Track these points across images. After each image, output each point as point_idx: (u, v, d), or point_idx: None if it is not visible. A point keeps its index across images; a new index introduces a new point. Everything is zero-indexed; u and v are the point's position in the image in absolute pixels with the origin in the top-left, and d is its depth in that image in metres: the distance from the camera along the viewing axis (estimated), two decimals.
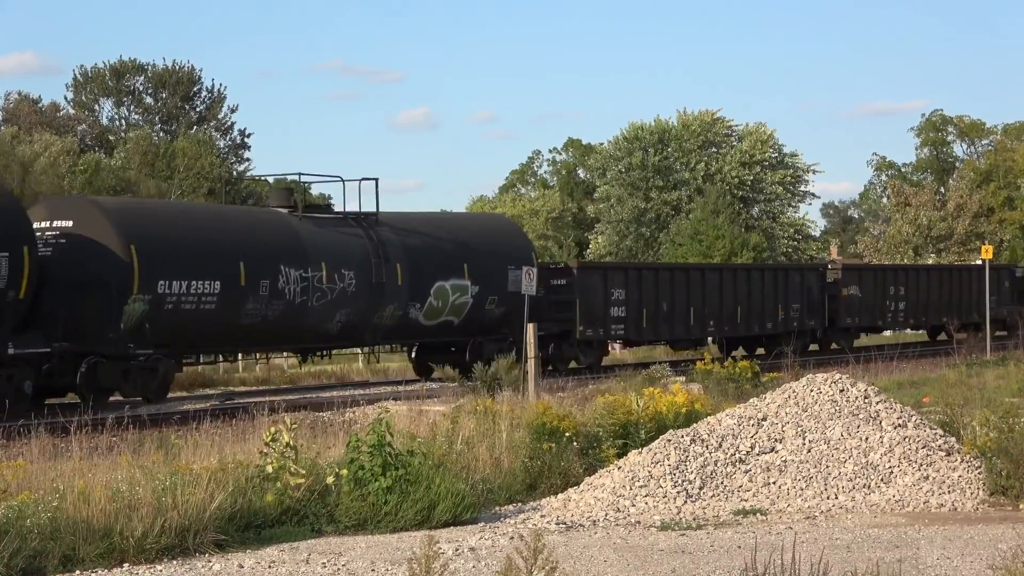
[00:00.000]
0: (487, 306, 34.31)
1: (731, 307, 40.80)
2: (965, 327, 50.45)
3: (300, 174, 35.79)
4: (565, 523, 13.24)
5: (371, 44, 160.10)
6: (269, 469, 12.79)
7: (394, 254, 32.11)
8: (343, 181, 33.25)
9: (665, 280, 39.22)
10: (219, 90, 76.88)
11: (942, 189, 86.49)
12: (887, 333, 53.55)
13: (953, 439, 15.04)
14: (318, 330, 30.91)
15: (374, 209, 32.90)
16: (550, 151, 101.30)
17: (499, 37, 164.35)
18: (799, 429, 14.92)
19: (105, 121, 76.78)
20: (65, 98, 77.20)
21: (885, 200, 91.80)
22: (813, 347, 44.87)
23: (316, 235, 30.92)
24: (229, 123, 77.04)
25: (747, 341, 42.63)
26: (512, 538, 12.26)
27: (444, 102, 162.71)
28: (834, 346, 44.33)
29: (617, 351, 45.38)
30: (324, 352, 33.73)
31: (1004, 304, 52.42)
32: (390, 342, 34.60)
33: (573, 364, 36.21)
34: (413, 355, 35.54)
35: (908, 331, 54.73)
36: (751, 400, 16.04)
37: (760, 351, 41.67)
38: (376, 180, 33.20)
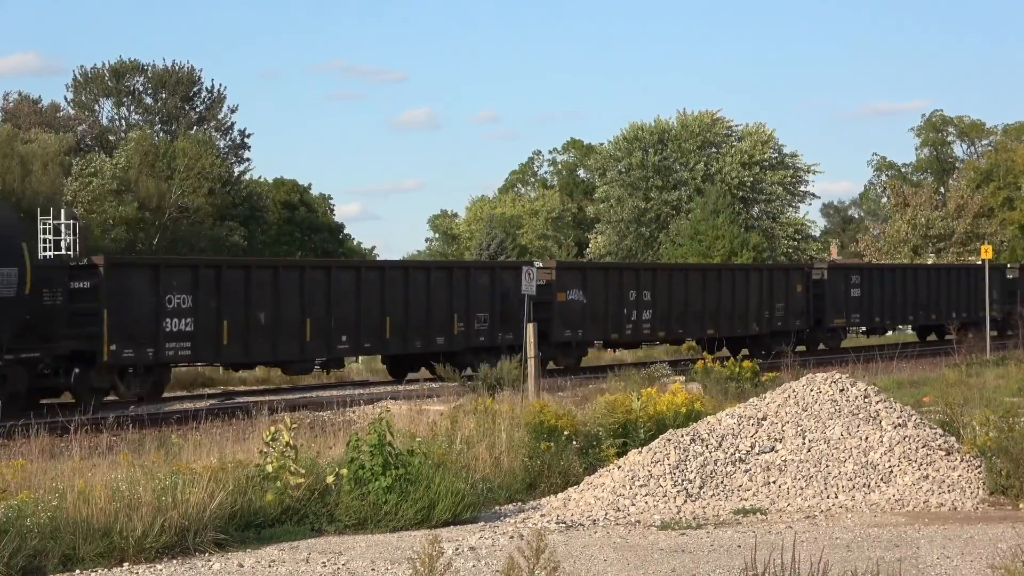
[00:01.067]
0: None
1: (377, 317, 31.82)
2: (740, 342, 42.15)
3: None
4: (565, 522, 13.24)
5: (374, 44, 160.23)
6: (269, 469, 12.80)
7: None
8: None
9: (264, 281, 29.76)
10: (219, 90, 76.97)
11: (942, 189, 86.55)
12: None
13: (953, 439, 15.04)
14: None
15: None
16: (550, 151, 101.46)
17: (501, 37, 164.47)
18: (799, 429, 14.92)
19: (105, 121, 76.80)
20: (65, 98, 77.31)
21: (885, 200, 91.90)
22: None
23: None
24: (229, 123, 77.13)
25: (419, 360, 34.19)
26: (512, 537, 12.27)
27: (446, 102, 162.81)
28: (552, 366, 35.68)
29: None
30: None
31: (796, 314, 43.84)
32: None
33: (113, 397, 27.80)
34: None
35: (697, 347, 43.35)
36: (751, 400, 16.05)
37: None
38: None
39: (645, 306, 38.62)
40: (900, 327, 52.19)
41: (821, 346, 44.45)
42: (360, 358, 39.32)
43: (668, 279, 39.86)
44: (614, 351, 41.07)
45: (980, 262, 48.69)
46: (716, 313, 40.91)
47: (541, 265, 36.99)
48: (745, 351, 40.09)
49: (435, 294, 33.21)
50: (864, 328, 48.59)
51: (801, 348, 43.58)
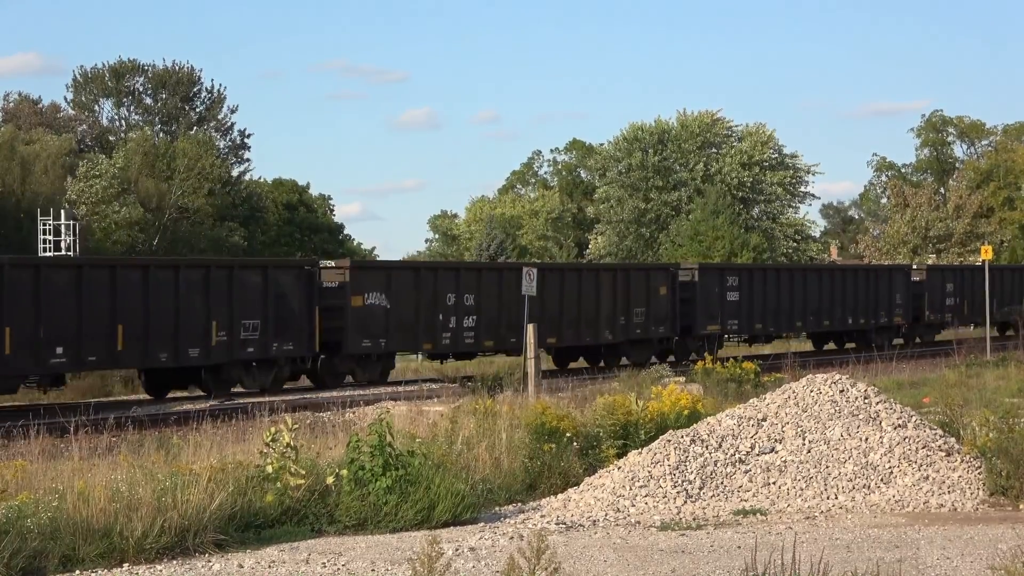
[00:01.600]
0: None
1: (106, 325, 26.80)
2: (592, 352, 37.57)
3: None
4: (565, 523, 13.24)
5: (375, 44, 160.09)
6: (269, 469, 12.80)
7: None
8: None
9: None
10: (219, 90, 77.02)
11: (942, 189, 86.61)
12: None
13: (953, 439, 15.04)
14: None
15: None
16: (551, 151, 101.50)
17: (502, 38, 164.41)
18: (799, 429, 14.92)
19: (105, 122, 76.85)
20: (65, 99, 77.36)
21: (885, 200, 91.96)
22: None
23: None
24: (229, 123, 77.18)
25: (177, 375, 29.75)
26: (512, 538, 12.27)
27: (447, 102, 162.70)
28: (351, 380, 31.84)
29: None
30: None
31: (659, 320, 38.74)
32: None
33: None
34: None
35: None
36: (751, 400, 16.05)
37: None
38: None
39: (467, 311, 33.37)
40: (788, 334, 46.97)
41: (693, 356, 38.35)
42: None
43: (497, 280, 34.36)
44: (441, 362, 36.37)
45: (980, 262, 48.41)
46: (558, 319, 35.56)
47: (332, 264, 32.31)
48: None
49: (187, 297, 28.20)
50: (745, 336, 43.27)
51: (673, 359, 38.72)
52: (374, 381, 31.43)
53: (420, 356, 39.43)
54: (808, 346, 47.85)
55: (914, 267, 51.02)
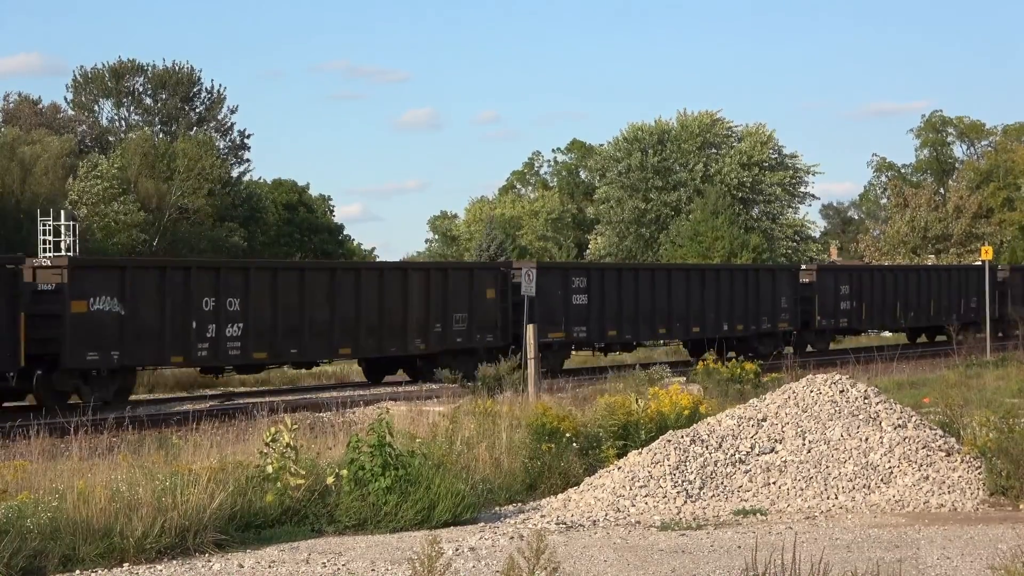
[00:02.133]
0: None
1: None
2: (400, 363, 33.40)
3: None
4: (565, 523, 13.24)
5: (377, 45, 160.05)
6: (269, 469, 12.80)
7: None
8: None
9: None
10: (219, 91, 77.02)
11: (942, 190, 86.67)
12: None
13: (953, 439, 15.05)
14: None
15: None
16: (552, 151, 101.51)
17: (503, 38, 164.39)
18: (799, 429, 14.92)
19: (105, 122, 76.84)
20: (65, 99, 77.36)
21: (885, 200, 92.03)
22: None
23: None
24: (229, 124, 77.19)
25: None
26: (512, 538, 12.27)
27: (448, 102, 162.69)
28: (92, 401, 25.97)
29: None
30: None
31: (485, 327, 34.12)
32: None
33: None
34: None
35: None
36: (751, 400, 16.05)
37: None
38: None
39: (231, 318, 28.86)
40: (652, 343, 42.86)
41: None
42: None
43: (269, 282, 29.78)
44: (216, 376, 31.81)
45: (980, 263, 48.37)
46: (354, 326, 31.13)
47: (47, 263, 27.72)
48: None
49: None
50: (600, 344, 38.28)
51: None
52: (109, 401, 26.32)
53: (170, 370, 33.74)
54: (689, 356, 41.07)
55: (803, 268, 46.75)
